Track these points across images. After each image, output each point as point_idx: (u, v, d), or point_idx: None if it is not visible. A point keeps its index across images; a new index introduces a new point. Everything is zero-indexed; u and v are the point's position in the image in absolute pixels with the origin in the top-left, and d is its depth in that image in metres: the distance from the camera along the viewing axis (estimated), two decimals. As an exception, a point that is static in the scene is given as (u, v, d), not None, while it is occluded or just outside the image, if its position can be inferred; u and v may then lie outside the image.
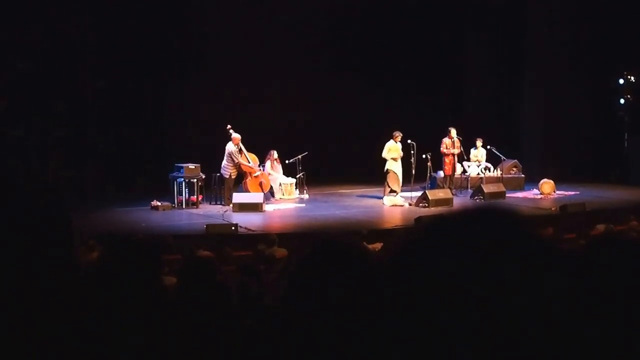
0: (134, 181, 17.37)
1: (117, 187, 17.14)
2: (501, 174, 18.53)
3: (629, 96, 21.46)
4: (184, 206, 15.39)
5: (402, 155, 16.36)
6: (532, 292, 1.09)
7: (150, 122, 18.42)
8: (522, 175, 18.96)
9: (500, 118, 21.53)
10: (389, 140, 16.41)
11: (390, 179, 16.27)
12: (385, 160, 16.36)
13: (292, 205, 16.19)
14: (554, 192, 17.72)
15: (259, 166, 16.34)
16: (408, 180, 16.42)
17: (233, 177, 15.87)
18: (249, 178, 16.08)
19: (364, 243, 10.59)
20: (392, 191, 16.31)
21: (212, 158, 16.01)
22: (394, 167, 16.27)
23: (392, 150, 16.28)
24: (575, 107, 20.91)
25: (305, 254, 1.79)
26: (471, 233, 1.16)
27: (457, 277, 1.10)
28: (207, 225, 12.86)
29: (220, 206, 15.65)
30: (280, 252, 10.21)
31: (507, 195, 17.01)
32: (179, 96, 18.42)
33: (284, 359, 1.72)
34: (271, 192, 16.62)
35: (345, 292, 1.64)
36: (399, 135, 16.31)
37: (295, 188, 17.14)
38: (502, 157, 18.59)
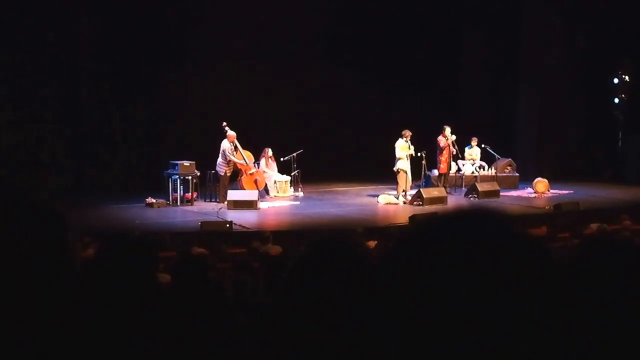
0: (129, 178, 17.39)
1: (112, 183, 17.16)
2: (495, 173, 18.56)
3: (623, 95, 21.51)
4: (178, 203, 15.39)
5: (412, 154, 16.30)
6: (524, 291, 1.11)
7: (146, 118, 18.40)
8: (517, 174, 19.00)
9: (495, 117, 21.57)
10: (392, 138, 16.38)
11: (400, 178, 16.22)
12: (396, 159, 16.28)
13: (286, 203, 16.19)
14: (548, 190, 17.75)
15: (254, 164, 16.34)
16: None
17: (228, 174, 15.86)
18: (244, 175, 16.07)
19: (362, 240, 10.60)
20: (403, 190, 16.28)
21: (207, 155, 16.00)
22: (404, 165, 16.20)
23: (403, 149, 16.21)
24: (570, 106, 20.96)
25: (302, 251, 1.80)
26: (465, 232, 1.17)
27: (451, 276, 1.11)
28: (202, 223, 12.86)
29: (215, 203, 15.65)
30: (275, 249, 10.22)
31: (501, 193, 17.02)
32: (174, 92, 18.39)
33: (279, 356, 1.73)
34: (266, 190, 16.61)
35: (340, 289, 1.65)
36: (409, 134, 16.23)
37: (290, 186, 17.14)
38: (497, 156, 18.61)
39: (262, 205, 15.45)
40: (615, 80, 21.52)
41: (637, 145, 20.74)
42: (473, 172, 18.50)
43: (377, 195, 16.66)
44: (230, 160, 15.74)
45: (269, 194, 16.68)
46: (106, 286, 2.33)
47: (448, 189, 17.26)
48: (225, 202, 15.22)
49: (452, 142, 17.23)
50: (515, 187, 18.52)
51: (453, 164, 17.98)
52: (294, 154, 17.14)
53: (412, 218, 12.90)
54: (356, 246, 1.82)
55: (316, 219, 14.17)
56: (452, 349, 1.08)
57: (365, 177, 18.67)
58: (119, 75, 17.52)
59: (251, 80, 19.01)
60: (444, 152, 17.33)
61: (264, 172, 16.59)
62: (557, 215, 14.40)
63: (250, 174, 16.08)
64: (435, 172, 17.79)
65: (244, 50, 18.95)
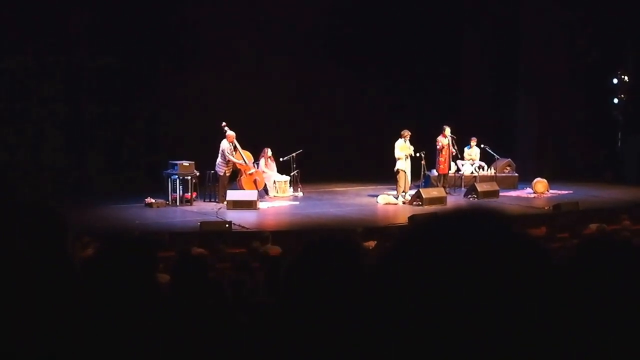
0: (129, 178, 17.39)
1: (111, 183, 17.16)
2: (495, 173, 18.55)
3: (622, 96, 21.51)
4: (178, 203, 15.38)
5: (411, 154, 16.28)
6: (523, 291, 1.11)
7: (145, 118, 18.40)
8: (516, 174, 18.99)
9: (495, 117, 21.56)
10: (391, 138, 16.35)
11: (399, 178, 16.21)
12: (395, 160, 16.23)
13: (286, 203, 16.18)
14: (548, 191, 17.74)
15: (253, 164, 16.34)
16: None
17: (227, 174, 15.86)
18: (244, 175, 16.06)
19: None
20: (402, 190, 16.26)
21: (207, 155, 16.00)
22: (403, 166, 16.19)
23: (402, 149, 16.19)
24: (570, 107, 20.96)
25: (300, 251, 1.80)
26: (464, 232, 1.17)
27: (450, 276, 1.11)
28: (201, 223, 12.85)
29: (214, 203, 15.64)
30: (274, 249, 10.22)
31: (500, 194, 17.01)
32: (174, 92, 18.39)
33: (278, 356, 1.73)
34: (265, 190, 16.61)
35: (338, 289, 1.65)
36: (407, 134, 16.21)
37: (290, 186, 17.13)
38: (496, 156, 18.60)
39: (261, 205, 15.44)
40: (615, 81, 21.51)
41: (636, 146, 20.75)
42: (472, 172, 18.48)
43: (377, 196, 16.65)
44: (229, 160, 15.74)
45: (269, 194, 16.67)
46: (106, 286, 2.33)
47: (447, 189, 17.24)
48: (225, 202, 15.21)
49: (451, 142, 17.21)
50: (515, 187, 18.51)
51: (452, 164, 17.97)
52: (294, 154, 17.13)
53: (412, 218, 12.89)
54: (353, 246, 1.82)
55: (316, 219, 14.16)
56: (451, 349, 1.08)
57: (365, 177, 18.66)
58: (119, 75, 17.53)
59: (251, 80, 18.99)
60: (443, 152, 17.31)
61: (264, 172, 16.59)
62: (556, 215, 14.39)
63: (249, 174, 16.07)
64: (435, 172, 17.78)
65: (244, 50, 18.95)
